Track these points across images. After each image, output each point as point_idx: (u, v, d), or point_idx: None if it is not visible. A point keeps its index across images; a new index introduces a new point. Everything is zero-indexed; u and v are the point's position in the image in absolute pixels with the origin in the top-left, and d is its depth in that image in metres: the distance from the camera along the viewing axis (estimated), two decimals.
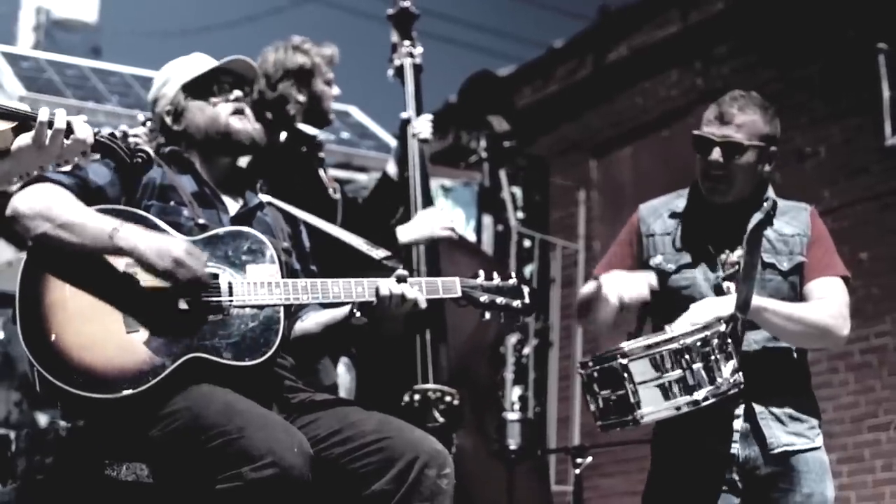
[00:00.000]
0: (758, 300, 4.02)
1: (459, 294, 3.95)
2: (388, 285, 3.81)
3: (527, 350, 10.07)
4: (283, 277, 3.91)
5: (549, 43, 12.31)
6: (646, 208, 4.37)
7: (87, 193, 3.82)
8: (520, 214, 10.53)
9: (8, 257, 6.73)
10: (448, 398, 5.60)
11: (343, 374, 6.42)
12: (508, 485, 6.02)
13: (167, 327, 3.66)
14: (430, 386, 5.61)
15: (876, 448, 9.06)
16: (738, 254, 4.15)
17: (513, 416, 6.83)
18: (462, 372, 5.92)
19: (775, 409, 4.09)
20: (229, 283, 3.75)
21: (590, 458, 5.73)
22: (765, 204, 4.19)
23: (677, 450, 4.18)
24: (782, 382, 4.13)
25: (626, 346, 3.90)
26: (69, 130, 3.36)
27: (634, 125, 11.41)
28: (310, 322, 4.05)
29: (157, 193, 3.91)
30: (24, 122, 3.32)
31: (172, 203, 3.92)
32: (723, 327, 3.90)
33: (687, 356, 3.83)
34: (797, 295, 4.16)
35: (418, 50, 6.10)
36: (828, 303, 4.12)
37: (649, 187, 10.71)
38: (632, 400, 3.84)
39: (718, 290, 4.12)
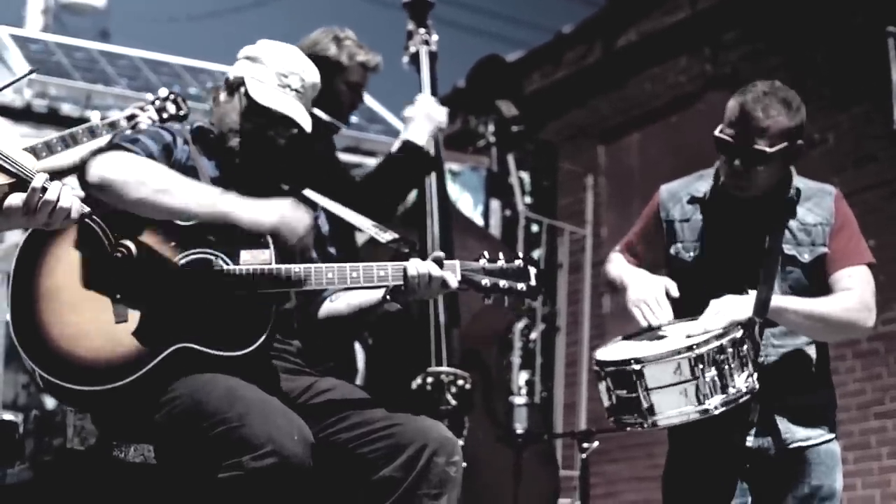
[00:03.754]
0: (778, 300, 3.97)
1: (458, 278, 3.86)
2: (414, 266, 3.77)
3: (534, 335, 10.07)
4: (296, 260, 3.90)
5: (557, 28, 12.28)
6: (666, 191, 4.32)
7: None
8: (528, 199, 10.51)
9: (16, 239, 6.74)
10: (461, 381, 5.62)
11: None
12: (515, 469, 6.03)
13: (156, 317, 3.64)
14: (444, 369, 5.62)
15: (882, 435, 9.05)
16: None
17: (519, 400, 6.84)
18: (473, 357, 5.93)
19: (790, 403, 4.07)
20: (221, 270, 3.73)
21: (596, 443, 5.73)
22: (791, 193, 4.13)
23: (693, 438, 4.15)
24: (800, 376, 4.12)
25: (641, 352, 3.87)
26: (57, 202, 3.36)
27: (643, 111, 11.39)
28: (341, 303, 4.01)
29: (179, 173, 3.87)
30: (21, 181, 3.32)
31: None
32: (739, 333, 3.85)
33: (700, 365, 3.78)
34: (819, 285, 4.11)
35: (434, 38, 6.10)
36: (851, 295, 4.08)
37: (657, 173, 10.71)
38: (644, 405, 3.81)
39: None
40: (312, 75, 4.10)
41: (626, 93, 11.52)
